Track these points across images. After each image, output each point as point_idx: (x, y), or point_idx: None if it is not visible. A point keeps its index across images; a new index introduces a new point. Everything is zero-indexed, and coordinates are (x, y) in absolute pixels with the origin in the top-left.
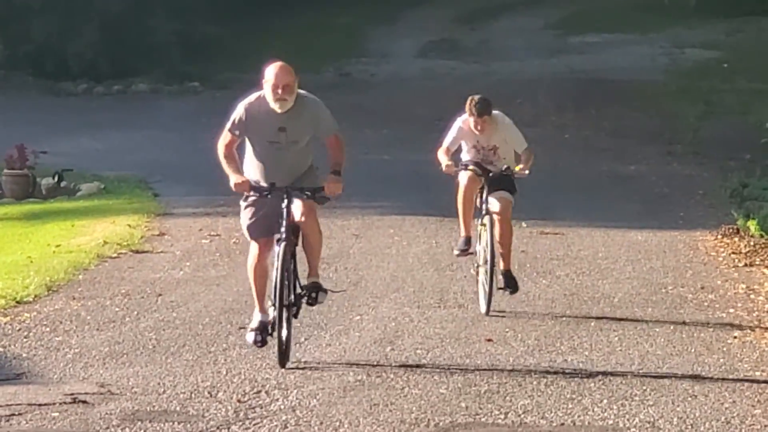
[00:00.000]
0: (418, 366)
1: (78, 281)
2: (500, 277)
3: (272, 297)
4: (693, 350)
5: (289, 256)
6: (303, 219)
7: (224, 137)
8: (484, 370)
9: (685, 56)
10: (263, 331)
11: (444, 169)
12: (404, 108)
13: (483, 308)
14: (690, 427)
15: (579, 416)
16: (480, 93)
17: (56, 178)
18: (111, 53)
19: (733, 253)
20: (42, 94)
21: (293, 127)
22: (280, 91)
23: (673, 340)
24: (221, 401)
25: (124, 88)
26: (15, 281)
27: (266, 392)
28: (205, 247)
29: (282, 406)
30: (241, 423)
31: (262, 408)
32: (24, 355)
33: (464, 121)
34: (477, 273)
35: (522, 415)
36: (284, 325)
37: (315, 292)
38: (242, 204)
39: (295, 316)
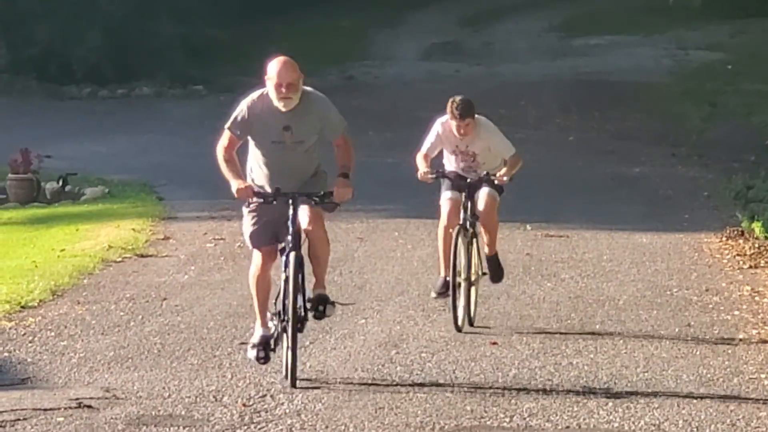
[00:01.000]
0: (423, 369)
1: (83, 285)
2: (486, 261)
3: (276, 310)
4: (698, 353)
5: (297, 267)
6: (310, 227)
7: (224, 138)
8: (489, 373)
9: (689, 58)
10: (266, 346)
11: (420, 176)
12: (408, 111)
13: (460, 321)
14: (695, 429)
15: (584, 419)
16: (485, 96)
17: (61, 183)
18: (115, 57)
19: (738, 255)
20: (46, 98)
21: (299, 126)
22: (284, 89)
23: (678, 343)
24: (226, 405)
25: (128, 92)
26: (20, 286)
27: (271, 396)
28: (210, 251)
29: (287, 410)
30: (246, 427)
31: (267, 412)
32: (29, 359)
33: (443, 123)
34: (456, 288)
35: (527, 419)
36: (283, 340)
37: (323, 305)
38: (245, 210)
39: (300, 330)
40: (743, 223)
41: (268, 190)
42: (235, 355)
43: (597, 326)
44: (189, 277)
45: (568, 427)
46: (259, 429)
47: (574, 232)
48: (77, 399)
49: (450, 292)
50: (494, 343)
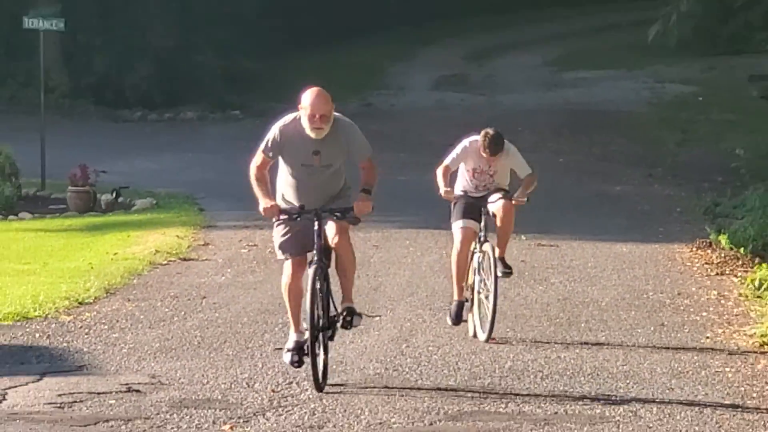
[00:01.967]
0: (429, 361)
1: (133, 285)
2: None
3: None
4: (670, 348)
5: (322, 279)
6: (336, 240)
7: (257, 158)
8: (488, 365)
9: (665, 90)
10: (299, 351)
11: (443, 194)
12: (419, 134)
13: (482, 337)
14: (668, 416)
15: (570, 406)
16: (488, 123)
17: (114, 195)
18: (163, 85)
19: (706, 263)
20: (102, 121)
21: (328, 151)
22: (317, 119)
23: (653, 340)
24: (257, 391)
25: (174, 116)
26: (77, 285)
27: (297, 383)
28: (244, 255)
29: (311, 396)
30: (274, 410)
31: (293, 397)
32: (85, 349)
33: (472, 142)
34: (474, 301)
35: (521, 405)
36: (320, 348)
37: (350, 316)
38: (275, 221)
39: (331, 338)
40: (711, 235)
41: (296, 205)
42: (266, 347)
43: (582, 325)
44: (226, 278)
45: (556, 413)
46: (286, 412)
47: (563, 242)
48: (127, 384)
49: (465, 316)
50: (492, 339)
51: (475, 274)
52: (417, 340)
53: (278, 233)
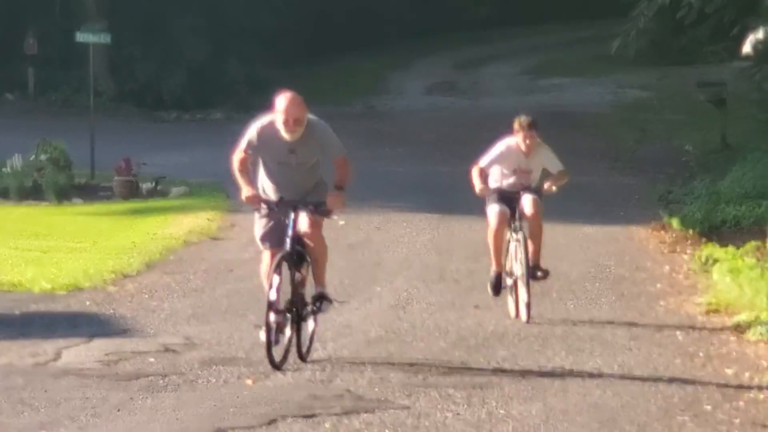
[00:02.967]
0: (423, 325)
1: (169, 260)
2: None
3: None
4: (629, 315)
5: (291, 266)
6: (308, 231)
7: (238, 153)
8: (473, 328)
9: (625, 95)
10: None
11: (477, 191)
12: (414, 133)
13: (524, 317)
14: (627, 372)
15: (543, 364)
16: (473, 123)
17: (153, 184)
18: (195, 90)
19: (660, 242)
20: (143, 121)
21: (302, 150)
22: (291, 124)
23: (615, 308)
24: (275, 351)
25: (204, 117)
26: (122, 260)
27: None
28: None
29: (321, 356)
30: (290, 367)
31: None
32: (128, 315)
33: (509, 144)
34: (515, 287)
35: (501, 363)
36: (287, 328)
37: (320, 301)
38: (256, 216)
39: (305, 319)
40: (664, 218)
41: (274, 199)
42: None
43: (554, 295)
44: (249, 254)
45: (531, 369)
46: (300, 368)
47: None
48: (164, 345)
49: (503, 288)
50: (476, 307)
51: (512, 261)
52: (412, 308)
53: (259, 226)
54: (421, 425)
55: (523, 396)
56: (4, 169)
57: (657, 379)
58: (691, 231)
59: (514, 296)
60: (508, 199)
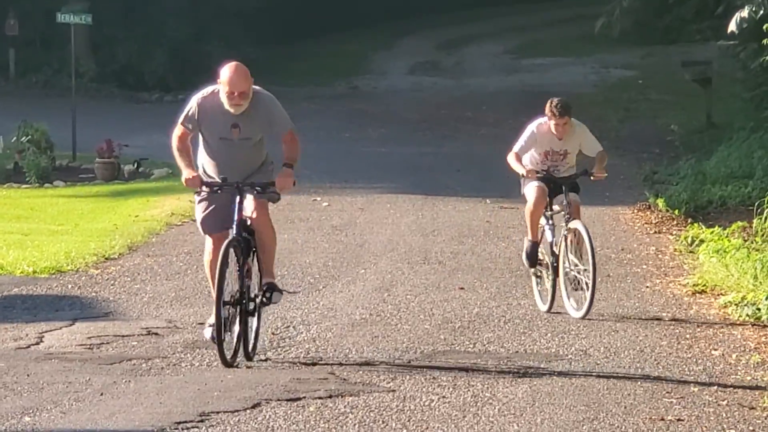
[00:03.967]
0: (407, 308)
1: (152, 243)
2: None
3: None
4: (615, 296)
5: (239, 254)
6: (254, 215)
7: (177, 130)
8: (458, 311)
9: (609, 74)
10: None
11: (526, 174)
12: (398, 113)
13: (578, 314)
14: (613, 354)
15: (529, 346)
16: (456, 103)
17: (135, 165)
18: (177, 71)
19: (646, 223)
20: (124, 102)
21: (246, 124)
22: (236, 96)
23: (600, 288)
24: (259, 334)
25: (186, 97)
26: (104, 242)
27: (293, 327)
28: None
29: (305, 338)
30: (274, 350)
31: (290, 339)
32: (111, 298)
33: (539, 126)
34: (549, 276)
35: (486, 345)
36: (236, 322)
37: (270, 292)
38: (196, 198)
39: (252, 314)
40: (650, 199)
41: (217, 179)
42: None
43: None
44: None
45: (517, 351)
46: (284, 351)
47: (522, 205)
48: (147, 328)
49: (538, 259)
50: (461, 288)
51: (566, 252)
52: (397, 290)
53: (200, 209)
54: (406, 408)
55: (509, 378)
56: None
57: (643, 361)
58: (676, 212)
59: (550, 287)
60: (547, 179)
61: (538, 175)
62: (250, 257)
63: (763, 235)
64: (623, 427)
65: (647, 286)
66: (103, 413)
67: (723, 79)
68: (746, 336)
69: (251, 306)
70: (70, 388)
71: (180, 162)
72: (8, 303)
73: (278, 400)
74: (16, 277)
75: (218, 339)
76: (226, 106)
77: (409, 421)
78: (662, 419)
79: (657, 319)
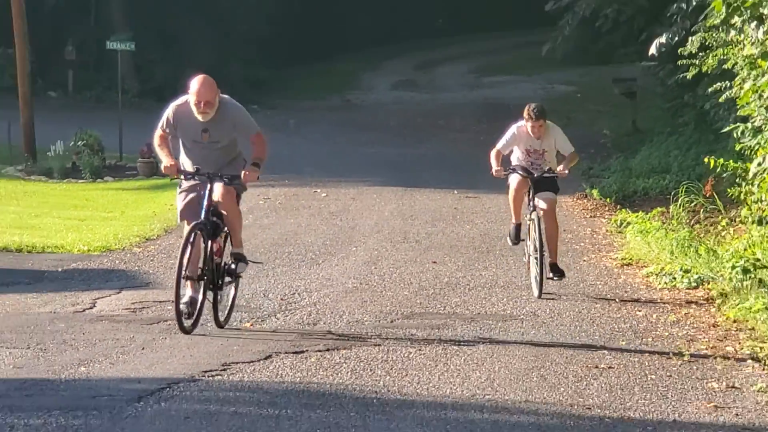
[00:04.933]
0: (391, 278)
1: (183, 226)
2: (548, 267)
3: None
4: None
5: (205, 235)
6: (221, 200)
7: (158, 131)
8: (432, 280)
9: (554, 89)
10: (191, 305)
11: (494, 173)
12: (383, 121)
13: (536, 293)
14: (557, 314)
15: (489, 308)
16: (430, 113)
17: None
18: None
19: (583, 209)
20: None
21: (215, 129)
22: (202, 105)
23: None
24: (270, 299)
25: None
26: (145, 226)
27: (298, 293)
28: (261, 205)
29: (308, 302)
30: (282, 313)
31: (295, 303)
32: (150, 271)
33: (519, 127)
34: (528, 263)
35: (454, 308)
36: (198, 296)
37: (236, 262)
38: (177, 190)
39: (220, 288)
40: (586, 190)
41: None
42: (277, 268)
43: (497, 251)
44: (248, 221)
45: (479, 313)
46: (290, 313)
47: (483, 195)
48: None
49: (521, 237)
50: (434, 262)
51: (527, 239)
52: (382, 264)
53: (180, 199)
54: (389, 359)
55: (472, 335)
56: (48, 153)
57: (581, 320)
58: (608, 200)
59: (531, 271)
60: (528, 172)
61: (505, 173)
62: (221, 238)
63: (677, 218)
64: (565, 373)
65: (584, 260)
66: (144, 364)
67: (646, 92)
68: (664, 299)
69: (221, 281)
70: (117, 343)
71: (160, 153)
72: (67, 275)
73: (286, 352)
74: (74, 254)
75: (176, 309)
76: (195, 114)
77: (392, 369)
78: (596, 367)
79: (592, 287)
